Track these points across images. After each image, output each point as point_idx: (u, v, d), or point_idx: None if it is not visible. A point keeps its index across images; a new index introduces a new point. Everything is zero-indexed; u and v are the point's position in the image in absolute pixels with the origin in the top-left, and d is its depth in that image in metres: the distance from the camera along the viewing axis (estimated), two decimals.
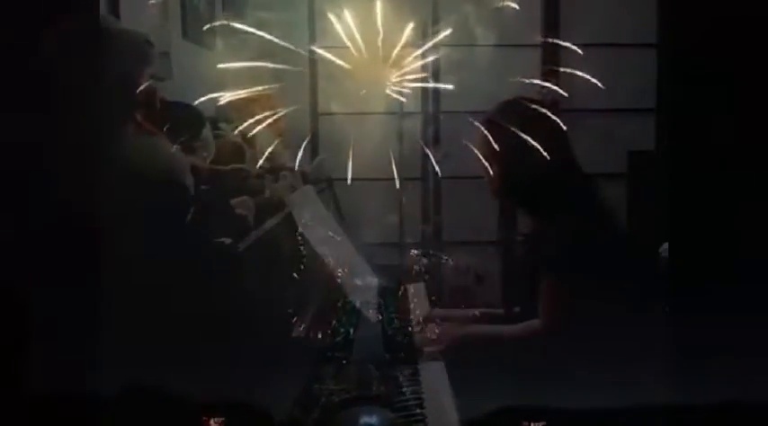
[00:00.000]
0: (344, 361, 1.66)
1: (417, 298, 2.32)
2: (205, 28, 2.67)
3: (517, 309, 1.91)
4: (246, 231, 1.73)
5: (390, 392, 1.52)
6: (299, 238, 1.99)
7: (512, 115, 1.84)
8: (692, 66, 1.38)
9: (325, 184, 2.80)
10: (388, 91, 1.77)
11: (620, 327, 1.64)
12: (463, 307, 2.11)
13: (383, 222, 3.42)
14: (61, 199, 1.23)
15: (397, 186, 2.21)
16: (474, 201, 3.14)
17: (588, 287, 1.68)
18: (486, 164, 1.84)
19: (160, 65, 2.28)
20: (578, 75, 2.01)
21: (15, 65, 1.22)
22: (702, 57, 1.37)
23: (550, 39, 3.56)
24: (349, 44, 1.67)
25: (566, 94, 2.04)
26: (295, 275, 1.86)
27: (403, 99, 1.83)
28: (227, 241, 1.52)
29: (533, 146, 1.74)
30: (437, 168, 2.95)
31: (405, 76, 1.77)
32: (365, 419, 1.42)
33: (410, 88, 1.78)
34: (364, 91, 1.75)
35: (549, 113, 1.83)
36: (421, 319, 1.96)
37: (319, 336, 1.74)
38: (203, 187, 1.74)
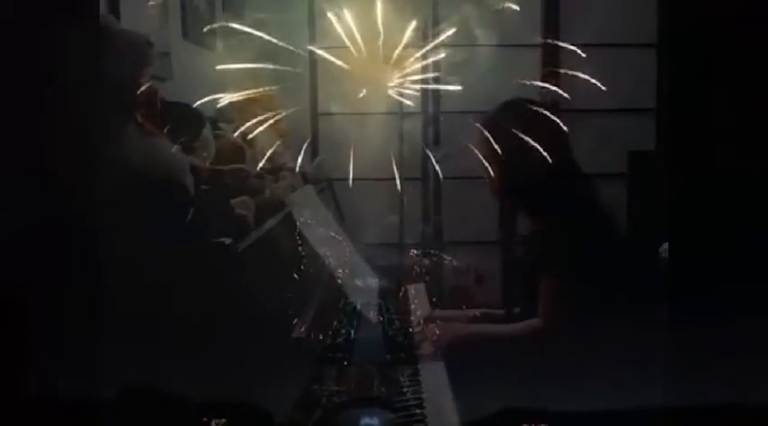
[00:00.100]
0: (345, 362, 1.65)
1: (418, 299, 2.32)
2: (206, 29, 2.67)
3: (517, 310, 1.91)
4: (246, 231, 1.72)
5: (391, 393, 1.51)
6: (299, 238, 1.99)
7: (511, 116, 1.84)
8: (692, 66, 1.38)
9: (325, 184, 2.80)
10: (388, 92, 1.78)
11: (620, 327, 1.64)
12: (464, 308, 2.11)
13: (383, 222, 3.42)
14: (61, 200, 1.23)
15: (399, 189, 2.20)
16: (474, 201, 3.14)
17: (587, 287, 1.68)
18: (486, 164, 1.84)
19: (160, 65, 2.28)
20: (578, 75, 2.01)
21: (15, 65, 1.22)
22: (702, 57, 1.37)
23: (551, 41, 3.56)
24: (349, 45, 1.67)
25: (568, 97, 2.04)
26: (295, 276, 1.85)
27: (404, 100, 1.83)
28: (227, 241, 1.52)
29: (533, 146, 1.74)
30: (437, 169, 2.94)
31: (405, 77, 1.78)
32: (366, 420, 1.42)
33: (410, 89, 1.79)
34: (363, 93, 1.75)
35: (548, 114, 1.83)
36: (421, 320, 1.96)
37: (320, 337, 1.74)
38: (203, 187, 1.74)
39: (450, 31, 1.88)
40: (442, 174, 2.88)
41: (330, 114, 3.58)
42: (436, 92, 3.56)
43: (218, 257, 1.48)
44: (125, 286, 1.27)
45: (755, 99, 1.36)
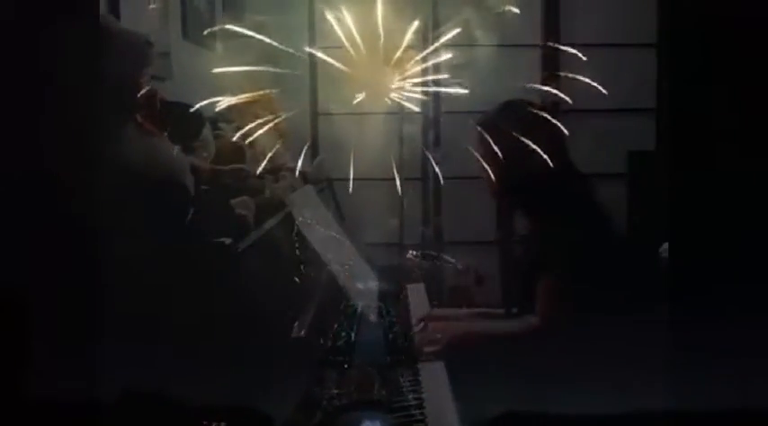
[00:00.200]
0: (346, 365, 1.65)
1: (418, 300, 2.32)
2: (206, 32, 2.67)
3: (515, 310, 1.91)
4: (246, 231, 1.72)
5: (391, 396, 1.51)
6: (299, 239, 1.99)
7: (509, 116, 1.85)
8: (692, 66, 1.38)
9: (325, 184, 2.80)
10: (389, 93, 1.78)
11: (620, 328, 1.64)
12: (463, 308, 2.12)
13: (383, 222, 3.42)
14: (61, 200, 1.23)
15: (399, 192, 2.20)
16: (475, 202, 3.15)
17: (587, 287, 1.68)
18: (485, 164, 1.84)
19: (160, 65, 2.28)
20: (579, 78, 2.01)
21: (15, 65, 1.22)
22: (702, 57, 1.37)
23: (551, 44, 3.56)
24: (349, 47, 1.67)
25: (569, 100, 2.05)
26: (296, 278, 1.85)
27: (404, 103, 1.83)
28: (227, 241, 1.52)
29: (531, 147, 1.74)
30: (438, 172, 2.95)
31: (405, 80, 1.78)
32: (367, 423, 1.42)
33: (411, 92, 1.79)
34: (362, 96, 1.75)
35: (546, 115, 1.83)
36: (420, 319, 1.96)
37: (320, 340, 1.74)
38: (203, 187, 1.74)
39: (452, 34, 1.88)
40: (442, 174, 2.89)
41: (330, 114, 3.59)
42: (436, 93, 3.56)
43: (218, 257, 1.47)
44: (125, 286, 1.27)
45: (755, 99, 1.36)
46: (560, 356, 1.65)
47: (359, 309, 1.98)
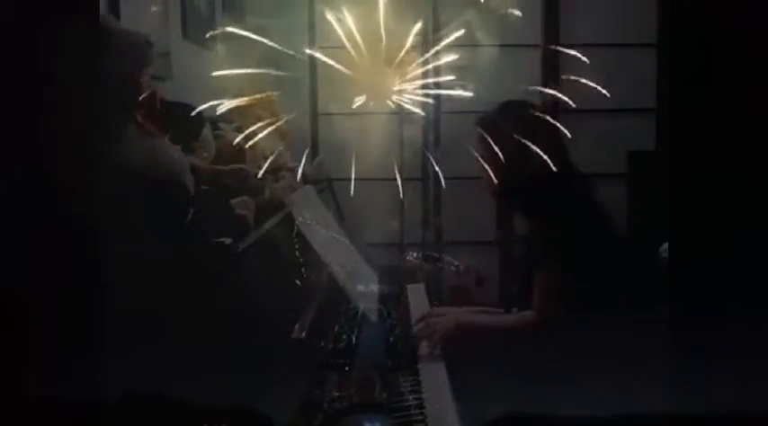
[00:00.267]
0: (346, 368, 1.65)
1: (418, 300, 2.32)
2: (207, 35, 2.67)
3: (515, 309, 1.91)
4: (246, 231, 1.72)
5: (392, 398, 1.51)
6: (299, 239, 1.99)
7: (508, 117, 1.85)
8: (692, 66, 1.38)
9: (325, 184, 2.80)
10: (390, 95, 1.78)
11: (620, 328, 1.64)
12: (463, 307, 2.11)
13: (383, 222, 3.42)
14: (61, 200, 1.23)
15: (401, 194, 2.21)
16: (474, 201, 3.15)
17: (586, 287, 1.68)
18: (484, 164, 1.84)
19: (160, 65, 2.28)
20: (579, 75, 2.01)
21: (15, 65, 1.22)
22: (702, 57, 1.37)
23: (551, 41, 3.56)
24: (350, 48, 1.67)
25: (572, 103, 2.05)
26: (297, 282, 1.85)
27: (405, 105, 1.83)
28: (228, 241, 1.52)
29: (530, 147, 1.74)
30: (439, 173, 2.95)
31: (407, 82, 1.78)
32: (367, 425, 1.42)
33: (412, 94, 1.79)
34: (363, 99, 1.75)
35: (543, 115, 1.83)
36: (420, 318, 1.95)
37: (321, 343, 1.73)
38: (203, 187, 1.74)
39: (453, 36, 1.89)
40: (443, 174, 2.89)
41: (330, 114, 3.59)
42: (437, 94, 3.56)
43: (219, 257, 1.47)
44: (125, 286, 1.27)
45: (755, 99, 1.36)
46: (560, 356, 1.65)
47: (359, 311, 1.98)
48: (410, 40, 1.72)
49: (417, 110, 1.83)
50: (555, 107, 2.28)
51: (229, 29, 1.88)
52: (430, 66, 1.90)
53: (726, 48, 1.36)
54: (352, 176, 1.85)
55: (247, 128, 1.99)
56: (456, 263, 3.29)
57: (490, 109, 1.91)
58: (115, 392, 1.21)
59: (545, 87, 2.84)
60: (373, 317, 1.98)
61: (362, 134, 3.00)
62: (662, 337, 1.46)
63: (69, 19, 1.24)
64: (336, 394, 1.50)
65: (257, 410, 1.28)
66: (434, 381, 1.61)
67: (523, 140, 1.75)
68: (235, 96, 1.96)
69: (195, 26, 2.78)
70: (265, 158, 2.11)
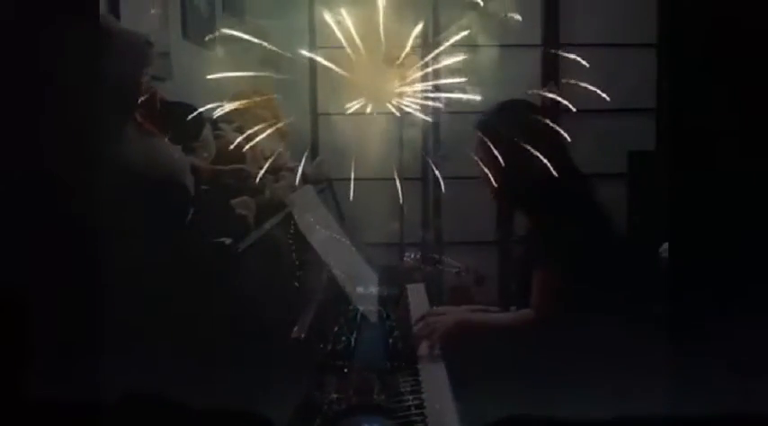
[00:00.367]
0: (345, 369, 1.65)
1: (418, 300, 2.32)
2: (207, 38, 2.67)
3: (513, 308, 1.92)
4: (246, 231, 1.72)
5: (392, 399, 1.51)
6: (299, 239, 1.98)
7: (508, 118, 1.85)
8: (692, 66, 1.38)
9: (325, 184, 2.80)
10: (390, 96, 1.78)
11: (620, 328, 1.64)
12: (462, 307, 2.11)
13: (383, 222, 3.42)
14: (61, 200, 1.23)
15: (400, 197, 2.21)
16: (474, 201, 3.15)
17: (586, 287, 1.68)
18: (484, 166, 1.84)
19: (160, 65, 2.28)
20: (579, 75, 2.01)
21: (15, 65, 1.22)
22: (702, 57, 1.37)
23: (551, 42, 3.56)
24: (350, 50, 1.67)
25: (572, 107, 2.05)
26: (296, 284, 1.85)
27: (405, 107, 1.84)
28: (228, 241, 1.52)
29: (530, 147, 1.74)
30: (439, 176, 2.95)
31: (406, 84, 1.78)
32: None
33: (412, 96, 1.79)
34: (361, 102, 1.75)
35: (542, 116, 1.84)
36: (420, 317, 1.95)
37: (320, 344, 1.73)
38: (203, 187, 1.74)
39: (454, 38, 1.89)
40: (442, 175, 2.89)
41: (330, 114, 3.59)
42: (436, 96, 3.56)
43: (219, 257, 1.47)
44: (125, 286, 1.27)
45: (755, 99, 1.36)
46: (560, 357, 1.65)
47: (359, 313, 1.98)
48: (410, 42, 1.72)
49: (417, 111, 1.83)
50: (555, 107, 2.28)
51: (228, 31, 1.89)
52: (430, 69, 1.91)
53: (726, 48, 1.36)
54: (352, 176, 1.85)
55: (248, 128, 1.99)
56: (456, 265, 3.29)
57: (488, 110, 1.91)
58: (115, 392, 1.21)
59: (545, 88, 2.83)
60: (373, 319, 1.98)
61: (362, 135, 2.99)
62: (661, 337, 1.46)
63: (69, 19, 1.24)
64: (335, 395, 1.49)
65: (256, 411, 1.28)
66: (434, 381, 1.61)
67: (523, 142, 1.75)
68: (235, 97, 1.96)
69: (195, 26, 2.78)
70: (266, 158, 2.11)
